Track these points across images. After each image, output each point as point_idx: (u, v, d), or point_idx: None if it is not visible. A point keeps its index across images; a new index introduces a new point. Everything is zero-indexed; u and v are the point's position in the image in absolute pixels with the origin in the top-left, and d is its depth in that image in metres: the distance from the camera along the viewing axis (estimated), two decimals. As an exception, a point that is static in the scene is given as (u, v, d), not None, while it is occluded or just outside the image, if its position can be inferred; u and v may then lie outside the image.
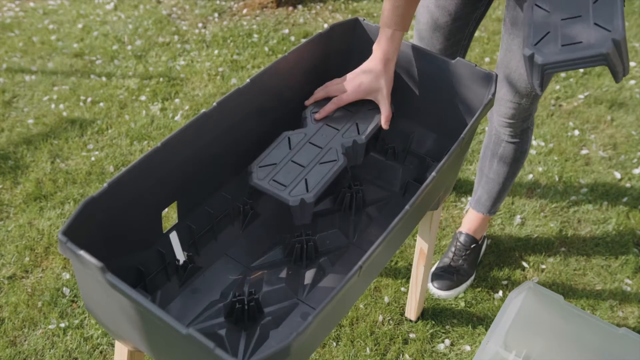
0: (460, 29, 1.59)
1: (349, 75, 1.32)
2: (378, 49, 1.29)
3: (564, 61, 0.97)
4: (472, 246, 1.85)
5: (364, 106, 1.34)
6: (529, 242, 1.99)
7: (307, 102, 1.34)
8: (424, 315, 1.76)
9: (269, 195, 1.20)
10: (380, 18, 1.29)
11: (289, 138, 1.26)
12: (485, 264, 1.91)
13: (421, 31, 1.63)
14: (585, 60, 0.96)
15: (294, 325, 1.11)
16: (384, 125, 1.30)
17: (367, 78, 1.30)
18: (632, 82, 2.67)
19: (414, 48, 1.35)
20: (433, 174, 1.07)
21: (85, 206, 0.93)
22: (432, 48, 1.63)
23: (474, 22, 1.60)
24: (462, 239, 1.87)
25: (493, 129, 1.70)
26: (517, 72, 1.48)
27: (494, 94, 1.23)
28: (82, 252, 0.85)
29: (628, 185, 2.19)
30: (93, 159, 2.15)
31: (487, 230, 1.97)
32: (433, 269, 1.87)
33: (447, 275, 1.82)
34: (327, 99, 1.34)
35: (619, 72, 0.99)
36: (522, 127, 1.65)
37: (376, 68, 1.29)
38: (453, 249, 1.87)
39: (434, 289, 1.82)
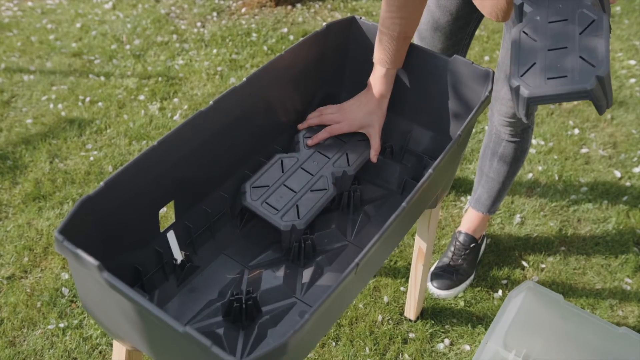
0: (461, 28, 1.58)
1: (344, 106, 1.36)
2: (373, 85, 1.33)
3: (549, 96, 0.98)
4: (472, 245, 1.85)
5: (355, 137, 1.39)
6: (529, 241, 1.98)
7: (300, 126, 1.38)
8: (423, 314, 1.76)
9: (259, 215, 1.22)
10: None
11: (281, 161, 1.31)
12: (485, 263, 1.91)
13: (422, 31, 1.63)
14: (569, 96, 0.97)
15: (292, 324, 1.11)
16: (373, 158, 1.35)
17: (360, 113, 1.34)
18: (632, 80, 2.67)
19: (411, 46, 1.34)
20: (430, 171, 1.06)
21: (82, 205, 0.93)
22: (433, 48, 1.63)
23: (475, 22, 1.60)
24: (461, 238, 1.86)
25: (493, 127, 1.70)
26: None
27: (490, 92, 1.23)
28: (79, 251, 0.85)
29: (628, 184, 2.19)
30: (92, 158, 2.15)
31: (486, 230, 1.96)
32: (432, 268, 1.86)
33: (446, 274, 1.82)
34: (321, 125, 1.38)
35: (602, 105, 1.00)
36: (522, 126, 1.65)
37: (370, 104, 1.34)
38: (452, 249, 1.87)
39: (434, 289, 1.81)
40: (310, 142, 1.34)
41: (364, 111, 1.34)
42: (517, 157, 1.71)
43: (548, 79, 0.98)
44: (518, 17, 1.07)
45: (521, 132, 1.66)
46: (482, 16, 1.59)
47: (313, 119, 1.37)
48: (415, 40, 1.66)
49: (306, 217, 1.21)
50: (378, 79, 1.31)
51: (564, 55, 0.99)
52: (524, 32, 1.04)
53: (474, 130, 2.34)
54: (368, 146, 1.37)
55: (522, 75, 1.00)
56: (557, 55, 1.00)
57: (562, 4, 1.04)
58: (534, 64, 1.00)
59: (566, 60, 0.98)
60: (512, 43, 1.04)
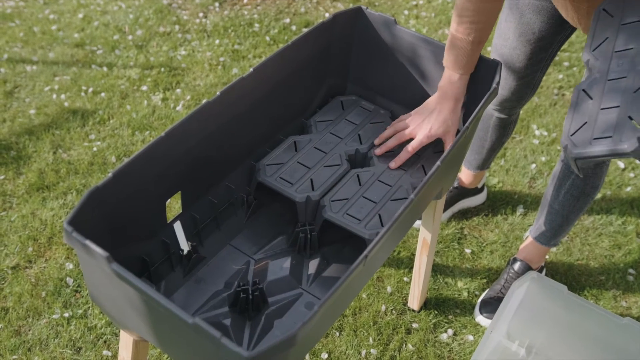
0: (543, 49, 1.51)
1: (417, 117, 1.31)
2: (446, 91, 1.28)
3: (593, 156, 0.99)
4: None
5: (367, 120, 1.40)
6: (532, 231, 1.98)
7: (378, 152, 1.33)
8: (426, 305, 1.77)
9: (273, 189, 1.23)
10: (443, 58, 1.28)
11: (295, 142, 1.33)
12: (488, 253, 1.91)
13: (502, 47, 1.55)
14: (613, 154, 0.97)
15: (298, 315, 1.11)
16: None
17: (437, 122, 1.29)
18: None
19: (417, 37, 1.34)
20: (437, 163, 1.07)
21: (90, 196, 0.93)
22: (511, 65, 1.55)
23: (558, 44, 1.52)
24: (516, 266, 1.77)
25: (564, 157, 1.57)
26: None
27: (498, 83, 1.23)
28: (87, 242, 0.85)
29: (632, 175, 2.19)
30: (95, 149, 2.15)
31: (544, 259, 1.85)
32: (483, 295, 1.77)
33: (497, 303, 1.71)
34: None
35: None
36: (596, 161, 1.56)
37: (444, 111, 1.28)
38: (505, 277, 1.77)
39: (482, 318, 1.73)
40: (378, 151, 1.33)
41: (439, 120, 1.29)
42: (586, 192, 1.60)
43: (594, 139, 0.99)
44: (585, 72, 1.08)
45: (594, 167, 1.56)
46: (565, 39, 1.51)
47: (390, 140, 1.33)
48: (493, 55, 1.59)
49: (320, 189, 1.23)
50: (451, 85, 1.26)
51: (614, 114, 1.00)
52: (582, 90, 1.05)
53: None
54: (381, 128, 1.38)
55: (572, 135, 1.02)
56: (608, 115, 1.00)
57: (624, 60, 1.04)
58: (585, 123, 1.02)
59: (615, 119, 0.99)
60: (571, 102, 1.06)
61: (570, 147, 1.01)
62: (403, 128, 1.33)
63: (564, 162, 1.60)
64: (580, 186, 1.59)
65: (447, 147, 1.30)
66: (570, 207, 1.64)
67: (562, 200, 1.64)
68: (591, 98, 1.04)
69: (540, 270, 1.82)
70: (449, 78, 1.26)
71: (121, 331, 1.11)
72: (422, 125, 1.30)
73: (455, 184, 1.99)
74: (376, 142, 1.35)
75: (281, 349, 0.81)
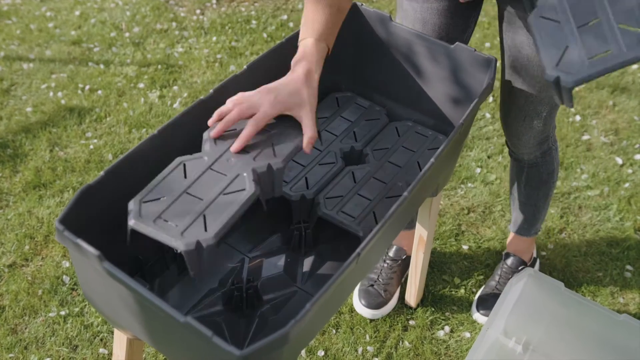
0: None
1: (262, 88, 1.05)
2: (297, 62, 1.09)
3: (595, 74, 0.89)
4: (520, 269, 1.74)
5: (362, 117, 1.35)
6: (530, 228, 1.98)
7: (210, 122, 1.05)
8: (423, 302, 1.76)
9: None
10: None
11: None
12: (486, 250, 1.91)
13: None
14: (619, 66, 0.88)
15: (293, 313, 1.11)
16: (306, 148, 1.04)
17: (285, 90, 1.05)
18: (635, 66, 2.65)
19: (412, 34, 1.34)
20: (432, 160, 1.06)
21: (82, 194, 0.93)
22: None
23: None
24: (509, 261, 1.76)
25: (512, 153, 1.58)
26: (522, 92, 1.37)
27: (493, 79, 1.22)
28: (79, 241, 0.85)
29: (630, 171, 2.18)
30: (92, 147, 2.15)
31: (535, 249, 1.85)
32: (479, 293, 1.76)
33: (494, 300, 1.68)
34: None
35: None
36: (541, 149, 1.53)
37: (296, 79, 1.06)
38: (499, 272, 1.75)
39: (479, 315, 1.71)
40: (235, 147, 1.01)
41: (288, 88, 1.05)
42: (544, 180, 1.59)
43: (589, 58, 0.89)
44: (529, 4, 0.97)
45: (542, 156, 1.54)
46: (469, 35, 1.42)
47: (231, 115, 1.03)
48: None
49: (315, 188, 1.22)
50: (305, 52, 1.08)
51: (598, 28, 0.90)
52: (542, 17, 0.94)
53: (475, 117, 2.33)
54: (374, 127, 1.35)
55: (557, 65, 0.90)
56: (591, 30, 0.90)
57: None
58: (567, 47, 0.91)
59: (604, 33, 0.89)
60: (533, 34, 0.94)
61: (563, 77, 0.89)
62: (249, 107, 1.03)
63: (512, 156, 1.60)
64: (536, 176, 1.59)
65: (304, 126, 1.05)
66: (535, 197, 1.64)
67: (525, 193, 1.65)
68: (557, 22, 0.93)
69: (533, 262, 1.82)
70: (301, 48, 1.10)
71: (115, 330, 1.11)
72: (267, 96, 1.04)
73: (403, 256, 1.78)
74: (210, 122, 1.05)
75: (274, 347, 0.80)
